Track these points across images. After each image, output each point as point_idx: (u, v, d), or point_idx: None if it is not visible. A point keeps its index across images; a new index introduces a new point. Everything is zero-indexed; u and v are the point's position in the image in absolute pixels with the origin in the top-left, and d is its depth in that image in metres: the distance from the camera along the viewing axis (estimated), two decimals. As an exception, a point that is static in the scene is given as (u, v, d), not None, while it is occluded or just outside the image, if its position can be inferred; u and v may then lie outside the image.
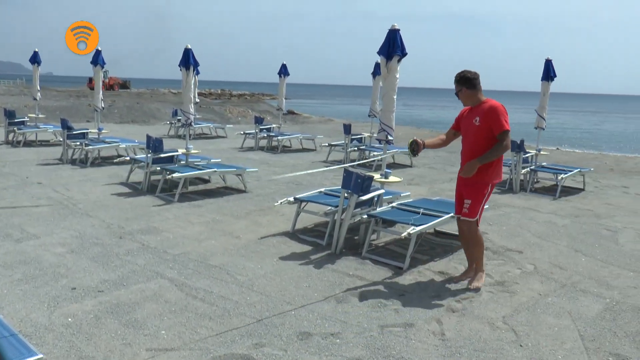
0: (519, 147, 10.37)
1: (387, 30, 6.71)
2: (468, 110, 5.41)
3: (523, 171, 10.61)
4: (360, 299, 5.09)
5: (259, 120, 16.32)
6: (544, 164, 11.76)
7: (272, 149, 16.21)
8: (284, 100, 16.76)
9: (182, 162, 10.23)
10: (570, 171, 10.68)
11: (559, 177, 10.14)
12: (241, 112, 30.69)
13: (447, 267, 6.06)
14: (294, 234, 7.10)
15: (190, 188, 9.87)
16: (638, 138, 36.76)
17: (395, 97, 6.85)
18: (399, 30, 6.68)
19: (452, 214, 6.36)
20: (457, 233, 7.02)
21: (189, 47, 9.55)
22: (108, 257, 5.98)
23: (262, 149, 16.25)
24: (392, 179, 6.97)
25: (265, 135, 16.37)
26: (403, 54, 6.68)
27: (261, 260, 6.08)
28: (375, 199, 6.78)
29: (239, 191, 9.83)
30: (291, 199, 7.24)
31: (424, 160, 14.94)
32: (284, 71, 16.52)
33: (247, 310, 4.73)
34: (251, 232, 7.16)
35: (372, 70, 14.18)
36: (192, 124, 10.08)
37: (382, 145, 13.55)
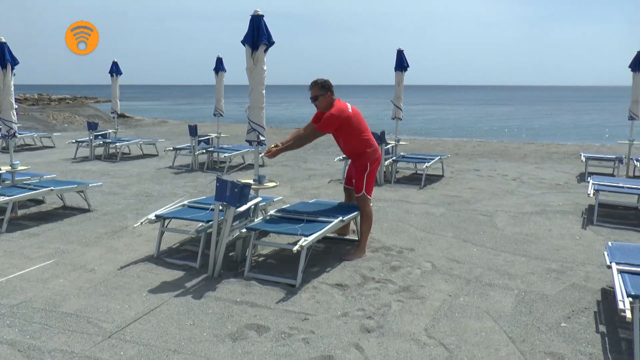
0: (379, 139, 10.13)
1: (250, 17, 5.93)
2: None
3: (386, 163, 10.41)
4: (258, 332, 4.28)
5: (92, 126, 14.56)
6: (402, 153, 11.73)
7: (110, 157, 14.57)
8: (118, 102, 15.15)
9: (7, 182, 8.58)
10: (432, 159, 10.71)
11: (424, 166, 10.07)
12: (67, 117, 27.80)
13: (343, 277, 5.45)
14: (159, 259, 6.06)
15: (21, 212, 8.29)
16: (469, 124, 39.80)
17: (264, 91, 6.09)
18: (262, 16, 5.93)
19: (340, 218, 5.79)
20: (342, 236, 6.51)
21: (3, 40, 7.95)
22: None
23: (98, 157, 14.54)
24: (267, 184, 6.22)
25: (102, 142, 14.67)
26: (270, 42, 5.95)
27: (127, 297, 5.00)
28: (252, 207, 5.97)
29: (82, 210, 8.44)
30: (152, 216, 6.17)
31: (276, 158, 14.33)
32: (115, 69, 14.93)
33: (123, 372, 3.72)
34: (108, 262, 5.99)
35: (214, 66, 13.25)
36: (16, 134, 8.45)
37: (232, 146, 12.82)
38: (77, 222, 7.79)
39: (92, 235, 7.07)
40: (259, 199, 5.98)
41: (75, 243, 6.72)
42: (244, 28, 6.02)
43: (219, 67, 13.30)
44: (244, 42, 5.93)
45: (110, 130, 15.90)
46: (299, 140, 5.97)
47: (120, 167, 13.07)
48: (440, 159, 11.09)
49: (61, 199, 8.94)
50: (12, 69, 8.19)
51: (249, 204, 5.63)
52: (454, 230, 7.16)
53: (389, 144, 10.96)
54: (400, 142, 11.45)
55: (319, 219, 5.82)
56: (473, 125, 37.69)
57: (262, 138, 6.07)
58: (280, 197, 7.35)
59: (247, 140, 6.19)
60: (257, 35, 5.85)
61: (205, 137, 13.61)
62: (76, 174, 12.08)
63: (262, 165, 13.16)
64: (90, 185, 8.64)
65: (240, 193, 5.28)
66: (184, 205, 6.66)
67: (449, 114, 53.67)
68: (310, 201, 7.14)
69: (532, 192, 9.77)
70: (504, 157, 15.00)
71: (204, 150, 12.94)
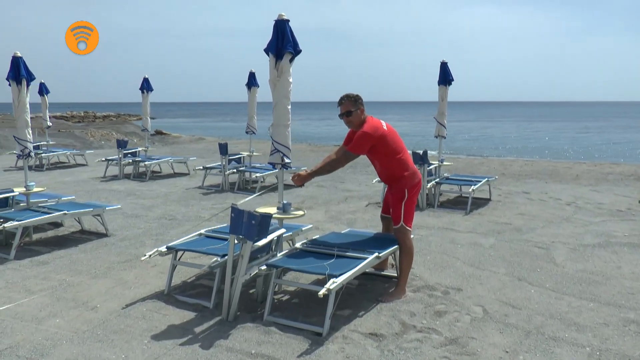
0: (422, 159, 9.31)
1: (274, 22, 5.23)
2: None
3: (429, 185, 9.55)
4: (274, 398, 3.51)
5: (121, 144, 14.13)
6: (446, 175, 10.82)
7: (139, 176, 14.10)
8: (149, 119, 14.74)
9: (22, 205, 8.06)
10: (479, 181, 9.78)
11: (470, 190, 9.16)
12: (104, 134, 27.81)
13: (378, 323, 4.64)
14: (170, 295, 5.36)
15: (37, 236, 7.80)
16: (514, 141, 38.39)
17: (289, 106, 5.36)
18: (288, 21, 5.22)
19: (376, 254, 5.00)
20: (379, 271, 5.72)
21: (19, 54, 7.48)
22: None
23: (128, 176, 14.08)
24: (294, 212, 5.46)
25: (131, 160, 14.21)
26: (296, 51, 5.22)
27: (126, 344, 4.30)
28: (275, 240, 5.22)
29: (99, 235, 7.87)
30: (163, 248, 5.48)
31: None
32: (146, 86, 14.53)
33: None
34: (113, 298, 5.32)
35: (246, 81, 12.66)
36: (32, 154, 7.94)
37: (265, 166, 12.00)
38: (91, 248, 7.21)
39: (103, 264, 6.45)
40: (282, 230, 5.22)
41: (84, 274, 6.11)
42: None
43: (252, 82, 12.70)
44: (267, 50, 5.22)
45: (140, 149, 15.46)
46: (330, 165, 5.20)
47: (148, 187, 12.55)
48: (487, 181, 10.14)
49: (79, 223, 8.39)
50: (28, 85, 7.72)
51: (270, 237, 4.88)
52: (507, 265, 6.25)
53: (432, 164, 10.10)
54: (444, 163, 10.55)
55: (352, 254, 5.03)
56: (518, 143, 36.23)
57: (287, 160, 5.34)
58: (310, 226, 6.57)
59: (269, 163, 5.47)
60: (282, 43, 5.14)
61: (237, 156, 12.98)
62: (102, 193, 11.60)
63: (297, 186, 12.44)
64: (107, 208, 8.05)
65: (259, 225, 4.54)
66: (200, 234, 5.96)
67: (493, 130, 52.15)
68: (343, 231, 6.35)
69: (590, 220, 8.74)
70: (555, 178, 13.90)
71: (235, 170, 12.31)
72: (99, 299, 5.31)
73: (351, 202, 10.44)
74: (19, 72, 7.54)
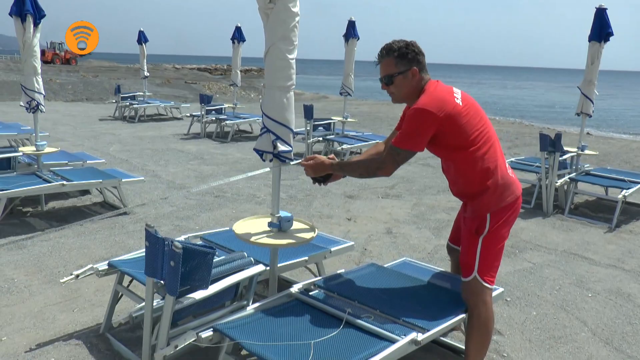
0: (553, 145, 6.61)
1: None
2: None
3: (560, 181, 6.81)
4: None
5: (205, 99, 12.56)
6: (587, 167, 7.78)
7: (224, 136, 12.52)
8: (239, 73, 13.04)
9: (31, 167, 6.69)
10: (637, 183, 6.80)
11: (620, 195, 6.29)
12: (221, 87, 26.93)
13: None
14: (103, 338, 3.49)
15: (55, 204, 6.55)
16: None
17: (291, 56, 3.15)
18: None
19: (414, 334, 2.73)
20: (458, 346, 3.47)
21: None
22: None
23: (209, 136, 12.56)
24: (298, 235, 3.28)
25: (214, 118, 12.62)
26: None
27: None
28: (247, 283, 3.10)
29: (116, 211, 6.33)
30: (103, 265, 3.59)
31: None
32: (238, 36, 12.79)
33: None
34: (33, 328, 3.64)
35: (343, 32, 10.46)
36: (40, 107, 6.39)
37: (360, 135, 10.15)
38: (91, 231, 5.69)
39: (77, 260, 4.84)
40: (256, 269, 3.07)
41: (43, 273, 4.61)
42: None
43: (350, 33, 10.43)
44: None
45: (225, 105, 13.82)
46: (366, 166, 2.97)
47: (223, 150, 10.89)
48: (650, 180, 7.06)
49: (100, 193, 6.87)
50: (36, 23, 6.14)
51: (221, 285, 2.78)
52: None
53: (567, 153, 7.27)
54: (586, 152, 7.58)
55: (371, 326, 2.79)
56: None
57: (282, 147, 3.14)
58: (351, 243, 4.29)
59: (255, 150, 3.28)
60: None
61: (325, 122, 10.87)
62: (167, 154, 10.13)
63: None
64: (124, 180, 6.37)
65: (188, 267, 2.46)
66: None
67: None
68: (390, 264, 3.90)
69: None
70: None
71: (320, 138, 10.25)
72: (16, 325, 3.65)
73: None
74: (23, 5, 6.00)
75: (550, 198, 6.76)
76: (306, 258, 3.72)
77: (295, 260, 3.61)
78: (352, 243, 4.21)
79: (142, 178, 6.83)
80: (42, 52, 47.40)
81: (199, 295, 2.62)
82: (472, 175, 2.83)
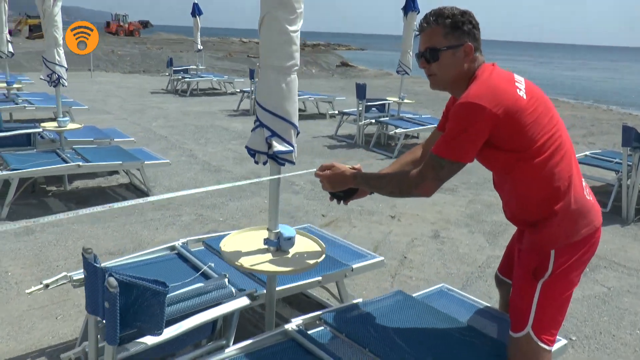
0: (638, 140, 5.63)
1: None
2: None
3: (643, 184, 5.82)
4: None
5: (254, 75, 11.98)
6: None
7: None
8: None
9: (54, 143, 6.31)
10: None
11: None
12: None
13: None
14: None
15: (79, 183, 6.22)
16: None
17: (294, 27, 2.40)
18: None
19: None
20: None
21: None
22: None
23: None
24: (308, 262, 2.59)
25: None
26: None
27: None
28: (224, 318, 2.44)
29: (140, 195, 5.91)
30: (78, 275, 3.03)
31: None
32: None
33: None
34: (13, 334, 3.26)
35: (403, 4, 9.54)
36: (62, 81, 5.91)
37: (417, 117, 9.49)
38: (106, 217, 5.27)
39: (77, 257, 4.37)
40: (235, 304, 2.40)
41: (38, 267, 4.21)
42: None
43: (409, 6, 9.52)
44: None
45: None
46: (399, 181, 2.17)
47: (269, 130, 10.28)
48: None
49: (126, 174, 6.41)
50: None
51: (184, 327, 2.14)
52: None
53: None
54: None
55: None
56: None
57: (279, 147, 2.41)
58: (380, 259, 3.52)
59: (247, 148, 2.56)
60: None
61: (379, 102, 10.05)
62: (210, 132, 9.65)
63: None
64: (147, 162, 5.86)
65: (133, 306, 1.82)
66: (173, 248, 3.39)
67: None
68: (424, 291, 3.15)
69: None
70: None
71: (373, 120, 9.46)
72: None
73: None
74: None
75: (633, 202, 5.78)
76: (319, 278, 3.02)
77: (302, 282, 2.92)
78: (381, 258, 3.46)
79: (168, 161, 6.32)
80: (107, 24, 49.02)
81: (151, 340, 1.99)
82: (536, 195, 2.05)
